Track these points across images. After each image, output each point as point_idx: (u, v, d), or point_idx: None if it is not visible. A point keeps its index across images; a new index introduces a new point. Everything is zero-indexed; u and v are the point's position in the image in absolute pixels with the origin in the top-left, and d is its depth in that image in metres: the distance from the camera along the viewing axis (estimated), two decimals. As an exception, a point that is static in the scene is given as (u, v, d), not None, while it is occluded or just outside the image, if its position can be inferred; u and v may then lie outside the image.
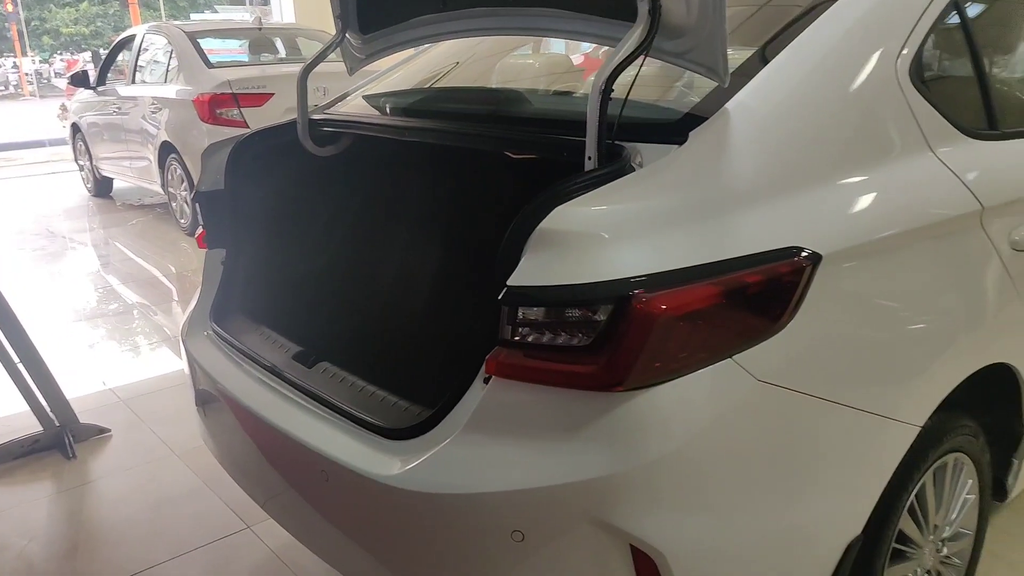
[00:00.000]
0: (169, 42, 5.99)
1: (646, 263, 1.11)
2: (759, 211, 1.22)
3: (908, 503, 1.51)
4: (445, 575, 1.25)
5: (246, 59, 6.81)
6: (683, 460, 1.13)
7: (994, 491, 1.88)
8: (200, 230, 1.93)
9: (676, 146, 1.25)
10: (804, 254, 1.20)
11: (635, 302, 1.08)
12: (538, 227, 1.12)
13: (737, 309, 1.15)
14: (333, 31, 1.88)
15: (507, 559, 1.19)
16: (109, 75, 7.12)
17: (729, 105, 1.29)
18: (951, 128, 1.52)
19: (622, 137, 1.29)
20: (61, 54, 27.37)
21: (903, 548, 1.56)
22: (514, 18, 1.56)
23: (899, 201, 1.37)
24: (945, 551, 1.71)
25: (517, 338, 1.14)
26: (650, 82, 1.59)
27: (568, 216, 1.12)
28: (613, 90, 1.23)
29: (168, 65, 5.99)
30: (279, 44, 6.63)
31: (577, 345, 1.11)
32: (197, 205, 1.91)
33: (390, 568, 1.33)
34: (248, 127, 4.52)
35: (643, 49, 1.25)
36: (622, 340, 1.08)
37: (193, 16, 28.04)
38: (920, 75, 1.49)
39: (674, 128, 1.28)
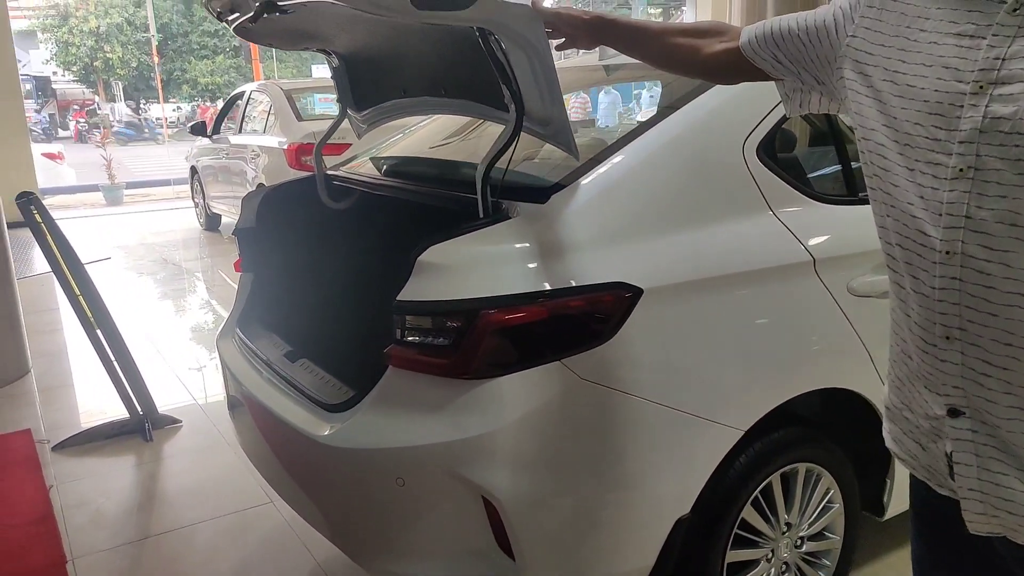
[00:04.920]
0: (269, 98, 6.89)
1: (493, 288, 1.55)
2: (597, 255, 1.63)
3: (751, 497, 1.84)
4: (352, 507, 1.71)
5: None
6: (516, 433, 1.55)
7: (874, 508, 2.16)
8: (238, 258, 2.51)
9: (540, 204, 1.70)
10: (627, 288, 1.61)
11: (477, 315, 1.52)
12: (418, 259, 1.59)
13: (563, 325, 1.57)
14: None
15: (394, 498, 1.64)
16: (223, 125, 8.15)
17: (585, 177, 1.72)
18: (796, 194, 1.88)
19: (508, 196, 1.74)
20: (196, 102, 30.19)
21: (751, 536, 1.88)
22: (443, 105, 2.06)
23: (730, 250, 1.75)
24: (806, 548, 2.00)
25: (405, 338, 1.61)
26: (546, 157, 2.04)
27: (438, 252, 1.58)
28: (493, 174, 1.67)
29: (268, 117, 6.88)
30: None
31: (441, 344, 1.57)
32: (236, 238, 2.49)
33: (319, 506, 1.81)
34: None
35: (513, 139, 1.67)
36: (468, 342, 1.53)
37: (314, 70, 30.17)
38: (770, 152, 1.87)
39: (541, 192, 1.72)
